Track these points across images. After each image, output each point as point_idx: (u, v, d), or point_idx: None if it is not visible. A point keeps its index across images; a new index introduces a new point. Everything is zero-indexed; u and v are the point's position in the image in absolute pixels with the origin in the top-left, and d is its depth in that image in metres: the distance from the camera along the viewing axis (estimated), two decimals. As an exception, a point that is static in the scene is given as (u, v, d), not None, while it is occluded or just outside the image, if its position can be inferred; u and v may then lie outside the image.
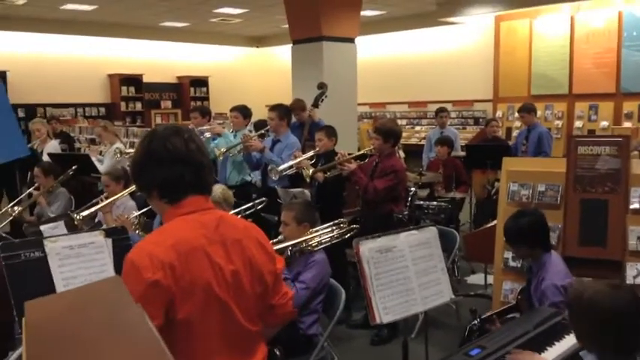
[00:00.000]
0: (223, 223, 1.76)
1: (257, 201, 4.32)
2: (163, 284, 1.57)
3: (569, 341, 2.38)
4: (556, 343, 2.35)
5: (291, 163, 4.81)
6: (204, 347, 1.67)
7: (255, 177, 5.83)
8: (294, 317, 2.06)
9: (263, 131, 5.69)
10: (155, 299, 1.56)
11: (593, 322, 1.87)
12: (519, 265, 3.64)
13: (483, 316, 2.91)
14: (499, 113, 11.55)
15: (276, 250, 2.50)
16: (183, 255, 1.62)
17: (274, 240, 3.29)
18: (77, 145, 10.51)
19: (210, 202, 1.79)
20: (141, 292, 1.53)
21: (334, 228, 3.51)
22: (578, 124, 10.66)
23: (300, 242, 3.30)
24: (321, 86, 6.31)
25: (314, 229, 3.44)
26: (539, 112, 7.67)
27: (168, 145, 1.70)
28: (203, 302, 1.64)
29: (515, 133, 10.21)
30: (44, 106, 13.47)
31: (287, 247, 3.22)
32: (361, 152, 4.82)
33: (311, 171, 4.65)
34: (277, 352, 2.77)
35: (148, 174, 1.74)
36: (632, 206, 3.34)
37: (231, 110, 5.98)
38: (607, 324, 1.84)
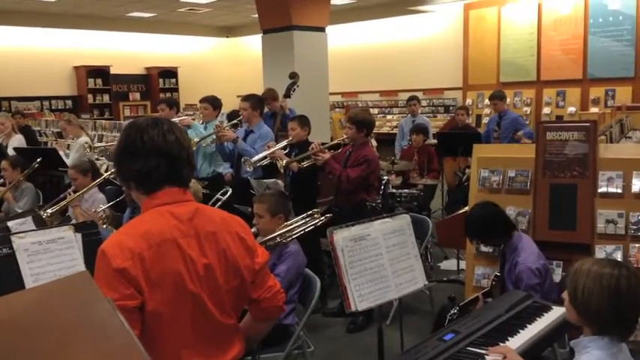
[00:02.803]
0: (199, 215, 1.75)
1: (219, 193, 4.20)
2: (131, 273, 1.57)
3: (541, 323, 2.42)
4: (528, 325, 2.38)
5: (264, 153, 4.76)
6: (175, 339, 1.67)
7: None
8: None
9: (236, 121, 5.62)
10: (121, 286, 1.56)
11: (606, 305, 1.77)
12: (491, 250, 3.70)
13: (461, 304, 2.95)
14: (469, 101, 11.66)
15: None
16: (153, 246, 1.63)
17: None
18: (44, 138, 10.31)
19: (188, 195, 1.79)
20: (108, 279, 1.55)
21: (308, 219, 3.49)
22: (546, 110, 10.83)
23: (276, 236, 3.28)
24: (293, 76, 6.26)
25: (289, 222, 3.42)
26: (507, 99, 7.78)
27: (144, 136, 1.71)
28: (173, 294, 1.63)
29: (485, 120, 10.33)
30: (9, 99, 13.15)
31: (265, 242, 3.20)
32: (335, 142, 4.81)
33: (285, 162, 4.63)
34: (253, 343, 2.76)
35: (124, 165, 1.75)
36: (600, 190, 3.41)
37: (201, 101, 5.90)
38: (619, 304, 1.76)
